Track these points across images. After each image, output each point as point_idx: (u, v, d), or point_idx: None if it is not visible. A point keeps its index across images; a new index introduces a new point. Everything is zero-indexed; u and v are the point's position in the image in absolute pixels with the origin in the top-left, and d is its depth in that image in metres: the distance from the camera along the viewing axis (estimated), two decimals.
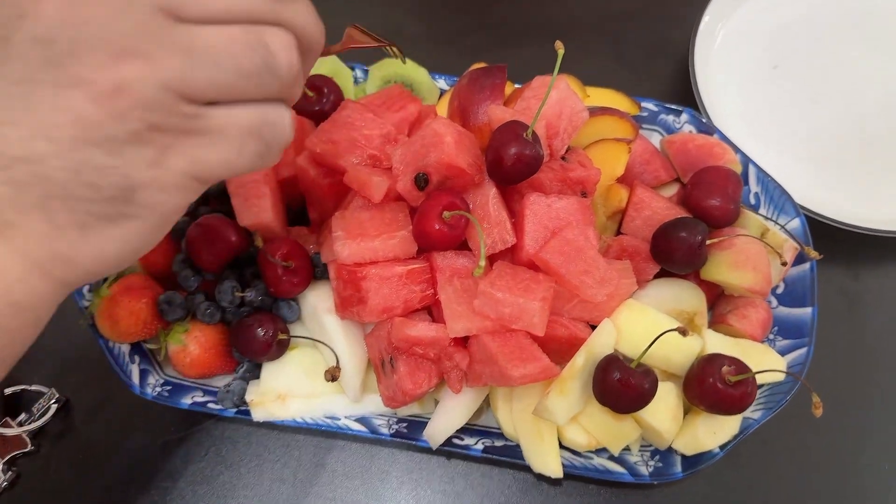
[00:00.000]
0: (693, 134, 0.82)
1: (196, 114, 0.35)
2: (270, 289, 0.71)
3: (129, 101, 0.33)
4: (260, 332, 0.70)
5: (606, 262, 0.67)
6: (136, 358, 0.76)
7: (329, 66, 0.85)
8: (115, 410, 0.80)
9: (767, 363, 0.71)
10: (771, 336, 0.76)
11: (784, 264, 0.71)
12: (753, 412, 0.71)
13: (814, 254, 0.74)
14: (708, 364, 0.65)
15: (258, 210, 0.72)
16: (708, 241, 0.70)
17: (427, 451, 0.73)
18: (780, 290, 0.78)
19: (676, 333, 0.67)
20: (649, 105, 0.85)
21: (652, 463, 0.71)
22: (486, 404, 0.74)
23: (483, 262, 0.62)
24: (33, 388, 0.79)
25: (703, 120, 0.84)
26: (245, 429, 0.79)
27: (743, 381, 0.64)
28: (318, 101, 0.76)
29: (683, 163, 0.79)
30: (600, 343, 0.65)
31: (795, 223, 0.78)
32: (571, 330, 0.67)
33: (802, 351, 0.73)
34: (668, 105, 0.85)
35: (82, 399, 0.81)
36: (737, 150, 0.81)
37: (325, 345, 0.71)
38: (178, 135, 0.35)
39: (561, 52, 0.61)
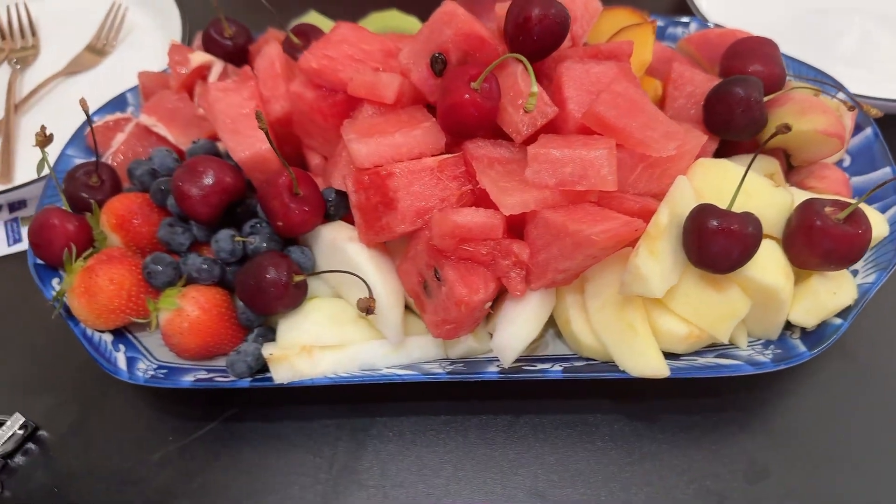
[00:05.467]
0: (710, 28, 0.77)
1: None
2: (279, 222, 0.60)
3: None
4: (272, 272, 0.58)
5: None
6: (121, 346, 0.62)
7: (311, 19, 0.79)
8: (95, 430, 0.64)
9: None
10: None
11: (852, 108, 0.64)
12: (866, 277, 0.60)
13: (874, 111, 0.67)
14: (807, 209, 0.55)
15: (253, 140, 0.62)
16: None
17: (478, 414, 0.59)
18: (846, 164, 0.70)
19: (762, 189, 0.58)
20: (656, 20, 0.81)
21: (768, 352, 0.58)
22: (551, 327, 0.62)
23: (535, 88, 0.52)
24: None
25: (713, 26, 0.79)
26: (260, 427, 0.64)
27: (855, 218, 0.54)
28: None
29: (708, 52, 0.73)
30: (682, 198, 0.55)
31: (840, 97, 0.72)
32: (642, 203, 0.57)
33: (893, 210, 0.64)
34: (675, 18, 0.81)
35: (54, 424, 0.65)
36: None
37: (355, 275, 0.58)
38: None
39: None
